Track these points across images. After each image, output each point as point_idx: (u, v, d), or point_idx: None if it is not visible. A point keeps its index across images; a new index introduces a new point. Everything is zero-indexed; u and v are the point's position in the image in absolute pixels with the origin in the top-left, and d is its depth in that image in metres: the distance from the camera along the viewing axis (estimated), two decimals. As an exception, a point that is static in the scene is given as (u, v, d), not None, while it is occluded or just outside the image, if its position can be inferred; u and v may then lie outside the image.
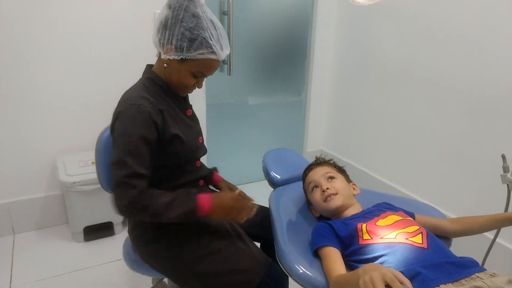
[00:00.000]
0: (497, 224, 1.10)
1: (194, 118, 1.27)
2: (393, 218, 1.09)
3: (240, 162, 2.76)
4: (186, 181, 1.20)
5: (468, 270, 0.92)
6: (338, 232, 1.09)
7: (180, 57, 1.07)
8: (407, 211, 1.21)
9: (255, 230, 1.35)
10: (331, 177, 1.23)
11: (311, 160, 1.39)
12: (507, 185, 1.26)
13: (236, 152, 2.73)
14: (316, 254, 1.08)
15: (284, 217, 1.23)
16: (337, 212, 1.20)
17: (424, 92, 2.10)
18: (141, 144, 1.02)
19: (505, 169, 1.25)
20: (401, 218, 1.11)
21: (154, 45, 1.12)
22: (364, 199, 1.28)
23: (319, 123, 2.92)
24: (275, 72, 2.70)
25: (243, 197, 1.18)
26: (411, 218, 1.12)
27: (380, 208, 1.20)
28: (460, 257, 0.99)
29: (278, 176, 1.43)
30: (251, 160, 2.77)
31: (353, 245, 1.06)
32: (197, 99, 2.34)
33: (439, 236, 1.20)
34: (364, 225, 1.08)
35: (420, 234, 1.02)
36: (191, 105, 1.28)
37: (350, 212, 1.19)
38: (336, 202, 1.18)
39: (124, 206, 1.00)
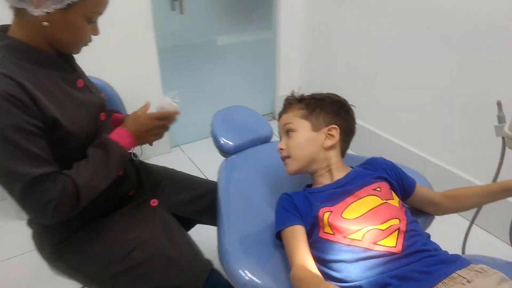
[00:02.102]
0: (497, 196, 0.90)
1: (89, 89, 0.95)
2: (368, 202, 0.86)
3: (205, 113, 2.48)
4: None
5: (447, 267, 0.75)
6: (301, 211, 0.89)
7: (65, 3, 0.76)
8: (406, 181, 0.97)
9: (205, 218, 1.14)
10: (290, 130, 0.97)
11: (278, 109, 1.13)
12: (502, 138, 1.05)
13: (199, 102, 2.45)
14: (279, 236, 0.89)
15: (234, 198, 1.01)
16: (304, 174, 0.98)
17: (412, 25, 1.81)
18: (18, 138, 0.74)
19: (500, 119, 1.03)
20: (380, 202, 0.86)
21: (6, 2, 0.78)
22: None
23: (292, 62, 2.62)
24: (236, 5, 2.34)
25: (163, 115, 0.96)
26: (392, 202, 0.87)
27: (366, 176, 0.93)
28: (439, 252, 0.80)
29: (230, 143, 1.18)
30: (217, 109, 2.50)
31: (313, 234, 0.87)
32: (145, 42, 2.03)
33: (422, 213, 1.00)
34: (326, 215, 0.85)
35: (396, 232, 0.81)
36: (83, 71, 0.98)
37: (321, 178, 0.95)
38: (288, 168, 0.97)
39: (51, 215, 0.78)
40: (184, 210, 1.11)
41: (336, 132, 0.96)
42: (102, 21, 0.88)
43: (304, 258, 0.80)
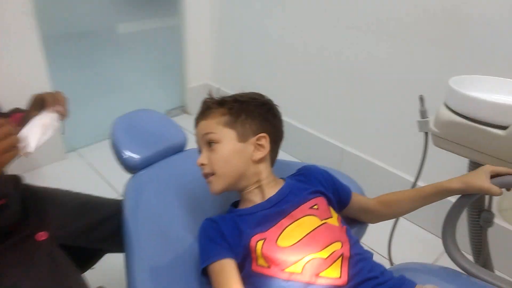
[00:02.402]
0: (432, 199, 0.84)
1: None
2: (306, 224, 0.76)
3: (105, 111, 2.20)
4: None
5: None
6: (229, 240, 0.75)
7: None
8: (343, 190, 0.89)
9: (112, 246, 0.96)
10: (212, 142, 0.81)
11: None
12: (425, 133, 1.03)
13: (99, 99, 2.16)
14: (205, 272, 0.74)
15: (144, 224, 0.83)
16: (230, 191, 0.84)
17: (328, 10, 1.75)
18: None
19: (423, 114, 1.00)
20: (319, 223, 0.77)
21: None
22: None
23: (201, 50, 2.44)
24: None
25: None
26: (332, 221, 0.79)
27: (301, 190, 0.82)
28: (386, 277, 0.73)
29: (136, 156, 0.99)
30: (120, 106, 2.23)
31: (245, 267, 0.74)
32: (24, 31, 1.70)
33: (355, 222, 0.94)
34: (260, 244, 0.73)
35: (339, 260, 0.72)
36: None
37: (251, 196, 0.83)
38: (212, 187, 0.81)
39: None
40: (84, 239, 0.93)
41: (265, 141, 0.83)
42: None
43: None
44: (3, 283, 0.74)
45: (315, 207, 0.80)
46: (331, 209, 0.82)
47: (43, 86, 1.83)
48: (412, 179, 1.59)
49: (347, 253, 0.73)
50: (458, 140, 0.85)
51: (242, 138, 0.82)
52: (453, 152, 0.88)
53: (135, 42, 2.18)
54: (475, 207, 0.97)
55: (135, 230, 0.84)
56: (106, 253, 1.06)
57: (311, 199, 0.81)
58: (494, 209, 0.94)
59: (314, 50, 1.82)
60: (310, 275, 0.69)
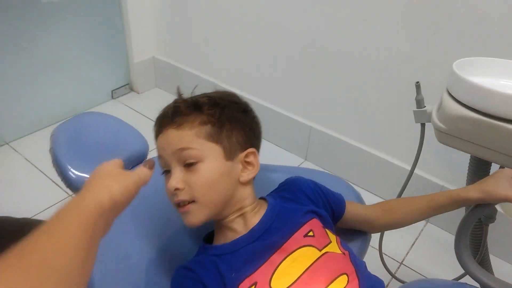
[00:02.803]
0: (446, 209, 0.75)
1: None
2: (303, 258, 0.63)
3: (40, 96, 1.91)
4: None
5: None
6: (206, 281, 0.61)
7: None
8: (335, 203, 0.77)
9: None
10: (189, 159, 0.64)
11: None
12: (421, 124, 0.92)
13: (31, 82, 1.85)
14: None
15: (102, 261, 0.66)
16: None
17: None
18: None
19: (419, 103, 0.89)
20: (318, 254, 0.63)
21: None
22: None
23: (143, 19, 2.15)
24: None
25: None
26: (333, 248, 0.66)
27: (290, 214, 0.69)
28: None
29: (87, 176, 0.79)
30: (56, 88, 1.95)
31: None
32: None
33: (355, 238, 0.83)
34: None
35: None
36: None
37: (234, 224, 0.68)
38: (191, 219, 0.64)
39: None
40: None
41: (254, 158, 0.70)
42: None
43: None
44: None
45: (310, 233, 0.66)
46: (328, 232, 0.69)
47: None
48: (383, 155, 1.58)
49: (357, 285, 0.62)
50: (472, 139, 0.74)
51: (230, 155, 0.66)
52: (464, 151, 0.78)
53: (65, 13, 1.86)
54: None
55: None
56: None
57: (304, 223, 0.67)
58: (498, 204, 0.87)
59: (277, 20, 1.64)
60: None
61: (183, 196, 0.64)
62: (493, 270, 1.04)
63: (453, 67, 0.77)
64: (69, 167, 0.78)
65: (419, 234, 1.48)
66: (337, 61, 1.52)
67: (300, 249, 0.64)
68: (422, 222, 1.52)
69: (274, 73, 1.76)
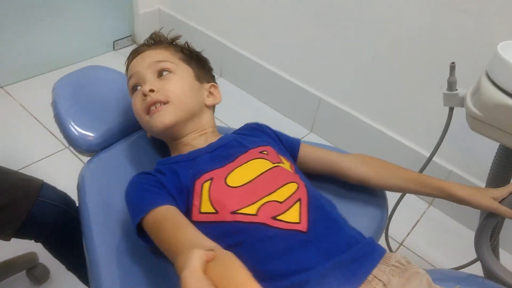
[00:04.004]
0: (430, 192, 0.74)
1: None
2: (256, 166, 0.67)
3: (37, 42, 1.80)
4: None
5: (362, 267, 0.59)
6: (169, 188, 0.63)
7: None
8: (287, 141, 0.80)
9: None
10: (164, 70, 0.72)
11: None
12: (450, 108, 0.87)
13: (28, 27, 1.74)
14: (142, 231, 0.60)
15: (107, 224, 0.62)
16: (169, 136, 0.74)
17: None
18: None
19: (451, 85, 0.83)
20: (270, 165, 0.67)
21: None
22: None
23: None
24: None
25: None
26: (284, 165, 0.70)
27: (243, 139, 0.74)
28: (352, 237, 0.64)
29: (91, 134, 0.73)
30: (54, 32, 1.84)
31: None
32: None
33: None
34: (206, 186, 0.62)
35: (298, 204, 0.62)
36: None
37: (194, 140, 0.73)
38: (163, 117, 0.69)
39: None
40: None
41: (217, 92, 0.80)
42: None
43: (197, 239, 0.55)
44: None
45: (265, 152, 0.71)
46: (282, 157, 0.73)
47: None
48: (396, 136, 1.52)
49: (305, 199, 0.64)
50: (510, 128, 0.69)
51: (199, 79, 0.77)
52: (498, 141, 0.73)
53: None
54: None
55: (97, 230, 0.63)
56: None
57: (259, 146, 0.73)
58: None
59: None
60: (266, 218, 0.60)
61: (157, 97, 0.69)
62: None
63: (497, 49, 0.71)
64: (72, 124, 0.72)
65: (421, 216, 1.46)
66: (354, 30, 1.43)
67: (254, 160, 0.68)
68: (425, 205, 1.50)
69: (285, 37, 1.67)
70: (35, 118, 1.63)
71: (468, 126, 0.77)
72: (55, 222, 0.83)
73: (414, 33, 1.29)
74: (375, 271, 0.59)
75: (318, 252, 0.58)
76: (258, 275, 0.46)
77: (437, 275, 0.71)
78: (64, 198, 0.86)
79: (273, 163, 0.68)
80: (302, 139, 0.81)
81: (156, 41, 0.79)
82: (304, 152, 0.79)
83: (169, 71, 0.72)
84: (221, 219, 0.60)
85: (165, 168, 0.66)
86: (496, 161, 0.83)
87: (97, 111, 0.75)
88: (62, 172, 1.19)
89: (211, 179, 0.64)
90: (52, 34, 1.83)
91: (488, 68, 0.73)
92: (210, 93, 0.79)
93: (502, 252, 1.24)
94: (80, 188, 0.71)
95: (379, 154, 1.40)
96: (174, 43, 0.81)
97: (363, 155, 0.81)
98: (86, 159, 0.78)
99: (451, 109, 0.86)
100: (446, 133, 0.90)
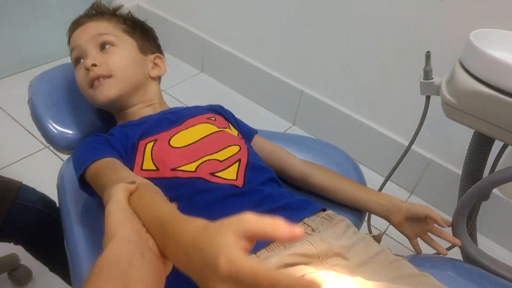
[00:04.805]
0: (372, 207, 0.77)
1: None
2: (201, 129, 0.71)
3: (16, 36, 1.76)
4: None
5: (294, 216, 0.64)
6: (114, 144, 0.67)
7: None
8: (245, 128, 0.83)
9: None
10: (107, 43, 0.72)
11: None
12: (426, 97, 0.88)
13: (5, 19, 1.70)
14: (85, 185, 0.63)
15: (85, 225, 0.62)
16: (114, 108, 0.75)
17: None
18: None
19: (427, 74, 0.85)
20: (216, 129, 0.71)
21: None
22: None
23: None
24: None
25: None
26: (230, 131, 0.74)
27: (193, 108, 0.79)
28: (287, 194, 0.68)
29: (69, 132, 0.72)
30: (33, 29, 1.80)
31: None
32: None
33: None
34: (149, 146, 0.65)
35: (237, 164, 0.67)
36: None
37: (141, 110, 0.75)
38: (106, 91, 0.70)
39: None
40: None
41: (161, 62, 0.81)
42: None
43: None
44: None
45: (212, 118, 0.75)
46: (230, 125, 0.77)
47: None
48: (376, 126, 1.55)
49: (244, 160, 0.68)
50: (484, 116, 0.71)
51: (143, 51, 0.77)
52: (472, 128, 0.75)
53: None
54: (471, 179, 0.89)
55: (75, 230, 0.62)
56: None
57: (208, 112, 0.76)
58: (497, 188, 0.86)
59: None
60: (205, 174, 0.63)
61: (100, 71, 0.69)
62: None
63: (469, 37, 0.72)
64: (50, 122, 0.71)
65: (403, 205, 1.49)
66: (334, 21, 1.44)
67: (200, 124, 0.71)
68: (407, 193, 1.53)
69: (266, 31, 1.67)
70: (12, 117, 1.59)
71: (444, 114, 0.79)
72: (35, 224, 0.82)
73: (393, 24, 1.31)
74: (306, 220, 0.63)
75: (251, 202, 0.62)
76: None
77: (417, 260, 0.73)
78: (44, 199, 0.84)
79: (219, 128, 0.72)
80: (285, 132, 0.82)
81: (98, 11, 0.78)
82: (257, 141, 0.82)
83: (112, 44, 0.72)
84: (161, 175, 0.63)
85: (115, 130, 0.70)
86: (471, 147, 0.86)
87: (75, 108, 0.74)
88: (42, 172, 1.17)
89: (155, 140, 0.67)
90: (27, 29, 1.79)
91: (461, 56, 0.75)
92: (155, 64, 0.79)
93: (480, 236, 1.28)
94: (59, 187, 0.70)
95: (361, 144, 1.43)
96: (117, 14, 0.80)
97: (312, 165, 0.82)
98: (66, 157, 0.77)
99: (427, 98, 0.88)
100: (423, 121, 0.91)
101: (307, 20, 1.51)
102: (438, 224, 0.72)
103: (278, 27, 1.62)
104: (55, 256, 0.88)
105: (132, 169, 0.64)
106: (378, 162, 1.57)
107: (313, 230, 0.62)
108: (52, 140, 0.72)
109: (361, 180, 0.85)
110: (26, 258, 1.05)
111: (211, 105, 0.83)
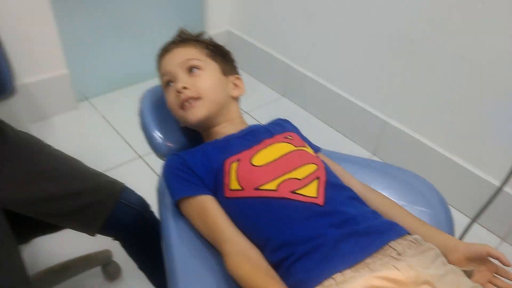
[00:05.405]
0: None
1: None
2: (279, 148, 0.75)
3: (120, 56, 1.98)
4: None
5: (378, 238, 0.62)
6: (200, 174, 0.72)
7: None
8: (309, 144, 0.85)
9: (64, 223, 0.85)
10: (194, 67, 0.79)
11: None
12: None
13: (112, 43, 1.93)
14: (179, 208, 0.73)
15: (182, 228, 0.68)
16: (202, 127, 0.82)
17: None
18: None
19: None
20: (293, 148, 0.75)
21: None
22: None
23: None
24: None
25: None
26: (307, 149, 0.78)
27: (270, 127, 0.83)
28: (370, 213, 0.69)
29: (170, 144, 0.82)
30: (135, 51, 2.01)
31: (218, 197, 0.71)
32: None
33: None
34: (234, 166, 0.70)
35: (316, 182, 0.69)
36: None
37: (224, 128, 0.81)
38: (197, 112, 0.77)
39: None
40: (34, 210, 0.78)
41: (240, 83, 0.87)
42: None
43: (236, 243, 0.65)
44: None
45: (289, 137, 0.79)
46: (306, 144, 0.80)
47: (49, 29, 1.61)
48: (468, 166, 1.46)
49: (323, 177, 0.70)
50: None
51: (225, 73, 0.84)
52: None
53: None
54: None
55: (173, 229, 0.69)
56: (64, 228, 0.92)
57: (285, 132, 0.81)
58: None
59: (362, 2, 1.55)
60: (286, 192, 0.66)
61: (190, 93, 0.76)
62: None
63: None
64: (156, 132, 0.81)
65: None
66: (425, 54, 1.42)
67: (278, 143, 0.76)
68: (497, 239, 1.42)
69: (350, 58, 1.69)
70: (114, 128, 1.78)
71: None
72: (133, 223, 0.91)
73: (489, 60, 1.26)
74: (392, 243, 0.62)
75: (334, 222, 0.63)
76: (278, 243, 0.60)
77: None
78: (141, 201, 0.93)
79: (296, 147, 0.76)
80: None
81: (184, 38, 0.86)
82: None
83: (198, 68, 0.79)
84: (246, 195, 0.68)
85: (198, 151, 0.76)
86: None
87: (174, 122, 0.83)
88: (134, 179, 1.29)
89: (239, 160, 0.72)
90: (131, 52, 2.00)
91: None
92: (235, 85, 0.85)
93: None
94: (159, 189, 0.78)
95: (446, 180, 1.36)
96: (200, 39, 0.87)
97: (367, 187, 0.80)
98: (156, 168, 0.85)
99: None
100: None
101: (395, 50, 1.51)
102: (502, 263, 0.66)
103: (363, 56, 1.64)
104: (145, 254, 0.96)
105: (222, 190, 0.70)
106: (465, 202, 1.47)
107: (399, 254, 0.61)
108: (156, 148, 0.81)
109: (447, 215, 0.82)
110: (118, 256, 1.16)
111: (279, 119, 0.88)
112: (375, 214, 0.70)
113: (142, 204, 0.92)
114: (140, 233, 0.92)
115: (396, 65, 1.53)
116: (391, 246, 0.62)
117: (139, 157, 1.62)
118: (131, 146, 1.67)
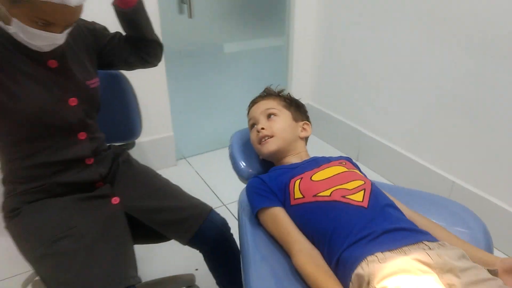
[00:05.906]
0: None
1: (65, 72, 0.96)
2: (334, 169, 0.95)
3: (213, 123, 2.36)
4: (56, 160, 0.97)
5: (414, 236, 0.79)
6: (273, 188, 0.95)
7: None
8: (358, 167, 1.05)
9: (165, 231, 1.05)
10: (272, 114, 1.06)
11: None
12: None
13: (207, 112, 2.32)
14: (258, 218, 0.95)
15: (261, 241, 0.88)
16: (274, 158, 1.06)
17: (428, 29, 1.68)
18: None
19: None
20: (345, 170, 0.95)
21: None
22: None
23: (304, 71, 2.49)
24: (247, 10, 2.21)
25: None
26: (358, 171, 0.99)
27: (328, 157, 1.05)
28: (407, 220, 0.85)
29: (250, 170, 1.06)
30: (225, 120, 2.37)
31: (286, 207, 0.93)
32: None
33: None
34: (297, 182, 0.93)
35: (362, 191, 0.88)
36: (64, 53, 0.97)
37: (291, 159, 1.04)
38: (269, 146, 1.02)
39: None
40: (148, 218, 1.03)
41: (309, 127, 1.11)
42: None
43: (302, 244, 0.84)
44: (68, 223, 0.92)
45: (343, 163, 1.00)
46: (357, 170, 1.00)
47: (163, 96, 2.03)
48: None
49: (369, 189, 0.89)
50: None
51: (295, 119, 1.08)
52: None
53: (241, 60, 2.31)
54: None
55: (252, 241, 0.89)
56: (165, 240, 1.14)
57: (340, 160, 1.02)
58: None
59: (423, 73, 1.74)
60: (338, 197, 0.86)
61: (266, 133, 1.02)
62: None
63: None
64: (241, 161, 1.06)
65: None
66: (491, 119, 1.53)
67: (333, 166, 0.97)
68: None
69: (420, 123, 1.84)
70: (205, 182, 2.07)
71: None
72: (215, 239, 1.10)
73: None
74: (426, 242, 0.77)
75: (379, 221, 0.80)
76: (338, 234, 0.79)
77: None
78: (224, 223, 1.14)
79: (348, 169, 0.96)
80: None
81: (268, 93, 1.14)
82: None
83: (275, 114, 1.05)
84: (306, 200, 0.88)
85: (272, 173, 1.00)
86: None
87: (254, 154, 1.08)
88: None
89: (301, 178, 0.93)
90: (223, 119, 2.37)
91: None
92: (303, 128, 1.09)
93: None
94: (240, 202, 1.00)
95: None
96: (280, 95, 1.13)
97: (421, 217, 0.92)
98: (235, 213, 1.05)
99: None
100: None
101: (462, 116, 1.63)
102: None
103: (432, 120, 1.77)
104: (223, 269, 1.15)
105: (289, 200, 0.91)
106: None
107: (430, 249, 0.74)
108: (239, 173, 1.06)
109: (486, 236, 0.91)
110: (199, 283, 1.36)
111: (341, 156, 1.07)
112: (412, 223, 0.84)
113: (225, 225, 1.13)
114: (221, 249, 1.11)
115: (462, 130, 1.64)
116: (425, 243, 0.76)
117: (223, 205, 1.87)
118: (217, 196, 1.93)
